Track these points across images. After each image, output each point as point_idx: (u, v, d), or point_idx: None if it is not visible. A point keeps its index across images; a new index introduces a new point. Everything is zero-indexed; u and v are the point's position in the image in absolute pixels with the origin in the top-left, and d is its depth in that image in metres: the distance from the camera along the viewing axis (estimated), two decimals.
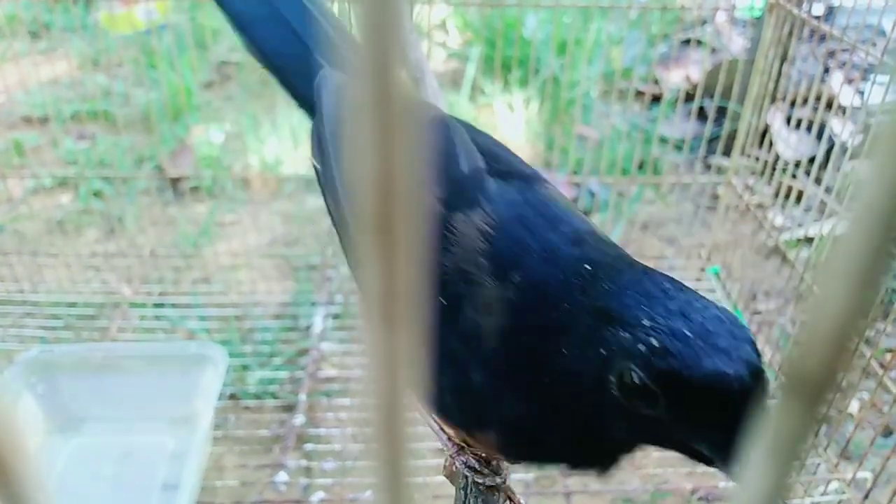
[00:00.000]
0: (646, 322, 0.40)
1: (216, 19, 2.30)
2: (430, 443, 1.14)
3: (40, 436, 1.20)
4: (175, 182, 1.79)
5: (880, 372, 1.12)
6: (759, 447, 0.15)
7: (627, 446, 0.46)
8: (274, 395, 1.32)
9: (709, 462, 0.40)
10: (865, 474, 1.14)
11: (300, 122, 1.92)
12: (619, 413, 0.41)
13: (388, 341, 0.12)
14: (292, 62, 0.68)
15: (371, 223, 0.11)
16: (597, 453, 0.47)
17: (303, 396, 1.29)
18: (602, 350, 0.41)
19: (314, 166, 0.64)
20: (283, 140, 1.90)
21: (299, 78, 0.67)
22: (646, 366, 0.38)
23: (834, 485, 1.16)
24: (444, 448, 0.61)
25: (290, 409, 1.29)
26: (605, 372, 0.41)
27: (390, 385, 0.13)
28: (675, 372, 0.37)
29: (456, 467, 0.59)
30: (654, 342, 0.38)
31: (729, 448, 0.37)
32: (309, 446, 1.21)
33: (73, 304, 1.50)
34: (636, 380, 0.39)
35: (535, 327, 0.46)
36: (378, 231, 0.11)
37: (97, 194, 1.80)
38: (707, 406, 0.37)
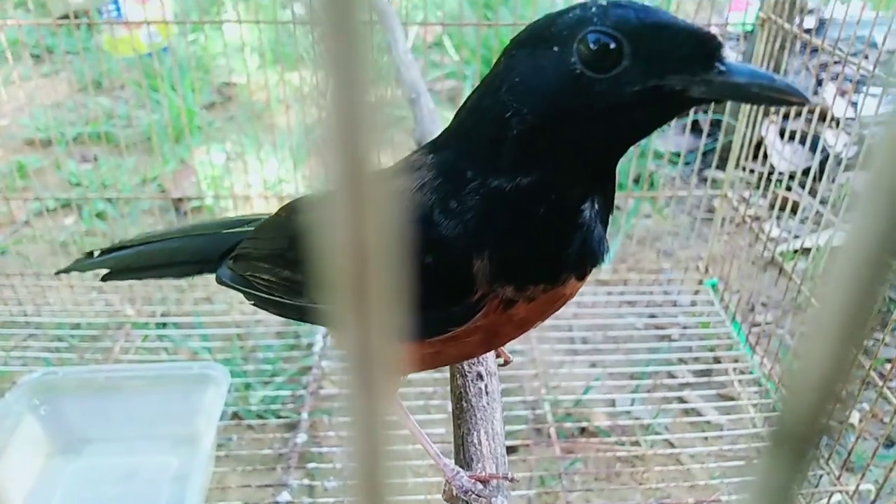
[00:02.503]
0: (588, 3, 0.45)
1: (218, 42, 2.33)
2: (429, 459, 1.14)
3: (43, 458, 1.20)
4: (177, 202, 1.81)
5: (880, 382, 1.12)
6: (748, 496, 0.16)
7: (607, 154, 0.48)
8: (276, 414, 1.32)
9: (685, 100, 0.44)
10: (868, 486, 1.13)
11: (300, 142, 1.94)
12: (589, 106, 0.44)
13: (367, 405, 0.13)
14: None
15: (346, 293, 0.12)
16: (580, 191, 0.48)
17: (305, 415, 1.29)
18: (555, 46, 0.45)
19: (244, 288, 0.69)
20: (283, 160, 1.92)
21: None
22: (602, 19, 0.43)
23: (836, 497, 1.16)
24: (443, 472, 0.61)
25: (292, 427, 1.29)
26: (565, 60, 0.44)
27: (370, 447, 0.13)
28: (631, 15, 0.43)
29: (455, 492, 0.60)
30: (602, 3, 0.44)
31: (702, 60, 0.42)
32: (311, 465, 1.22)
33: (76, 326, 1.51)
34: (595, 38, 0.43)
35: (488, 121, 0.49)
36: (353, 300, 0.12)
37: (100, 215, 1.82)
38: (666, 37, 0.43)
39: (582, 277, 0.52)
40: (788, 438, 0.15)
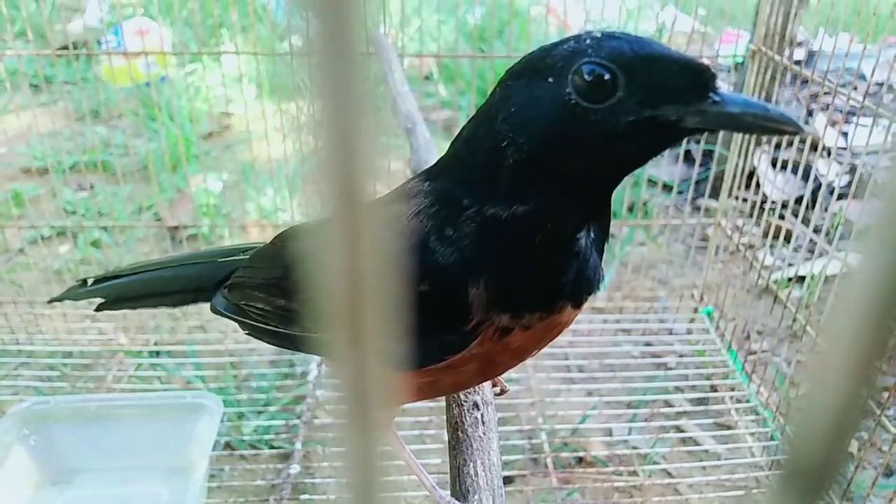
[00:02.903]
0: (582, 35, 0.46)
1: (216, 73, 2.35)
2: (425, 490, 1.13)
3: (32, 489, 1.18)
4: (173, 230, 1.81)
5: (877, 411, 1.12)
6: None
7: (602, 184, 0.49)
8: (269, 444, 1.31)
9: (679, 130, 0.44)
10: None
11: (296, 171, 1.95)
12: (584, 137, 0.45)
13: (361, 435, 0.13)
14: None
15: (340, 322, 0.12)
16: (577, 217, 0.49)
17: (298, 445, 1.28)
18: (550, 77, 0.45)
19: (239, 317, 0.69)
20: (279, 189, 1.93)
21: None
22: (596, 51, 0.44)
23: None
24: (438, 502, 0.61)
25: (285, 458, 1.28)
26: (560, 91, 0.45)
27: (365, 478, 0.13)
28: (625, 47, 0.44)
29: None
30: (596, 35, 0.45)
31: (696, 90, 0.43)
32: (305, 496, 1.20)
33: (68, 354, 1.49)
34: (590, 69, 0.44)
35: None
36: (348, 329, 0.12)
37: (95, 244, 1.82)
38: (660, 68, 0.43)
39: (578, 305, 0.52)
40: (798, 481, 0.15)
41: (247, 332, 0.69)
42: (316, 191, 0.12)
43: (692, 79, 0.43)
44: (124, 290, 0.82)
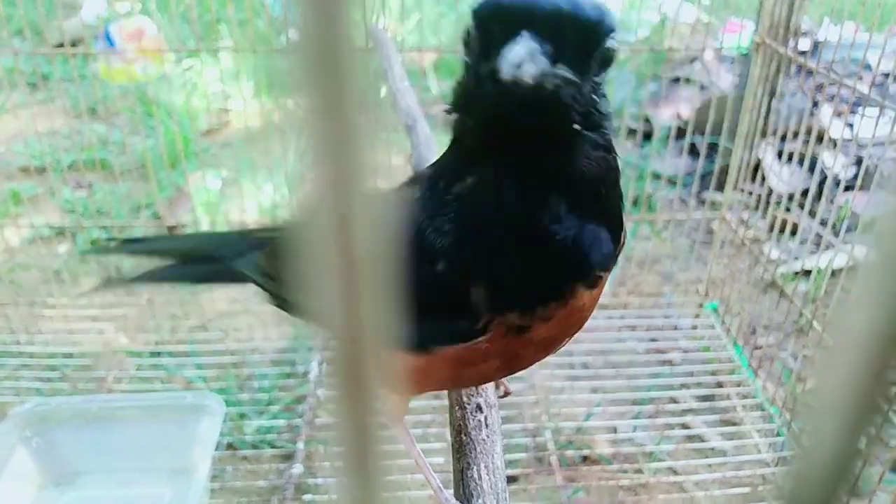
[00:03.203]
0: None
1: (213, 69, 2.34)
2: (430, 491, 1.12)
3: (35, 490, 1.18)
4: (172, 229, 1.80)
5: (885, 406, 1.10)
6: None
7: (524, 143, 0.45)
8: (272, 444, 1.30)
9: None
10: None
11: (296, 167, 1.93)
12: (468, 92, 0.45)
13: (360, 489, 0.12)
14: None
15: (342, 374, 0.11)
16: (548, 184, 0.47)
17: (301, 445, 1.27)
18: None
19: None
20: (279, 186, 1.91)
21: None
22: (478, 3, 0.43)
23: None
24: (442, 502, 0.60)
25: (288, 458, 1.27)
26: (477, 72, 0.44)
27: (361, 461, 0.13)
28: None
29: None
30: None
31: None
32: (308, 497, 1.19)
33: (69, 355, 1.49)
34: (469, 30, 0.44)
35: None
36: (348, 383, 0.11)
37: (94, 244, 1.80)
38: (497, 16, 0.42)
39: (593, 285, 0.50)
40: (819, 467, 0.15)
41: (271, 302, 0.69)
42: (310, 184, 0.11)
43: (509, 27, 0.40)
44: (159, 249, 0.82)
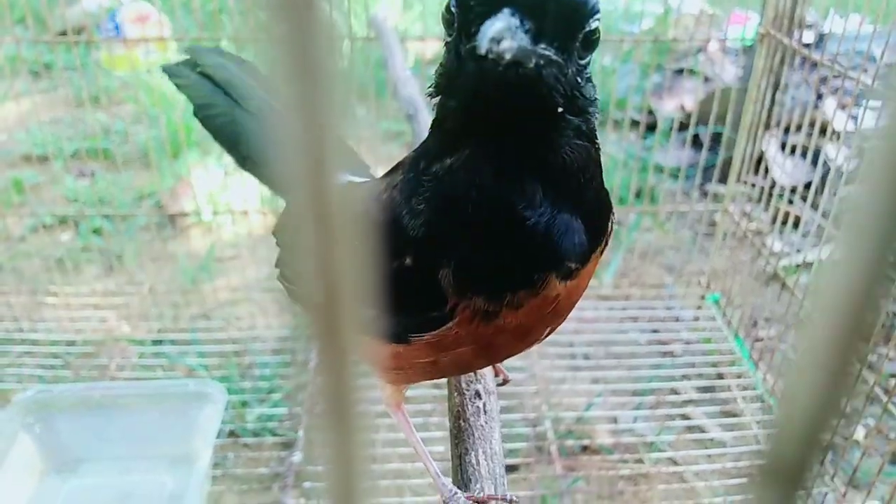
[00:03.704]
0: None
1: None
2: (429, 479, 1.12)
3: (37, 477, 1.18)
4: (174, 218, 1.80)
5: (884, 398, 1.10)
6: None
7: (504, 127, 0.44)
8: (273, 432, 1.31)
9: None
10: (874, 503, 1.12)
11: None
12: (450, 72, 0.44)
13: (339, 441, 0.12)
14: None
15: (319, 326, 0.11)
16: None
17: (301, 433, 1.28)
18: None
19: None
20: None
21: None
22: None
23: None
24: (440, 491, 0.60)
25: (288, 445, 1.27)
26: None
27: (343, 482, 0.13)
28: None
29: None
30: None
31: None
32: (308, 484, 1.20)
33: (71, 343, 1.49)
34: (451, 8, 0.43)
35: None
36: (325, 333, 0.11)
37: (97, 231, 1.81)
38: None
39: (567, 276, 0.49)
40: (777, 474, 0.15)
41: (290, 296, 0.69)
42: (284, 172, 0.11)
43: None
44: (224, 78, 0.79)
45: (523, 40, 0.38)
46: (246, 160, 0.80)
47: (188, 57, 0.84)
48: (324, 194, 0.12)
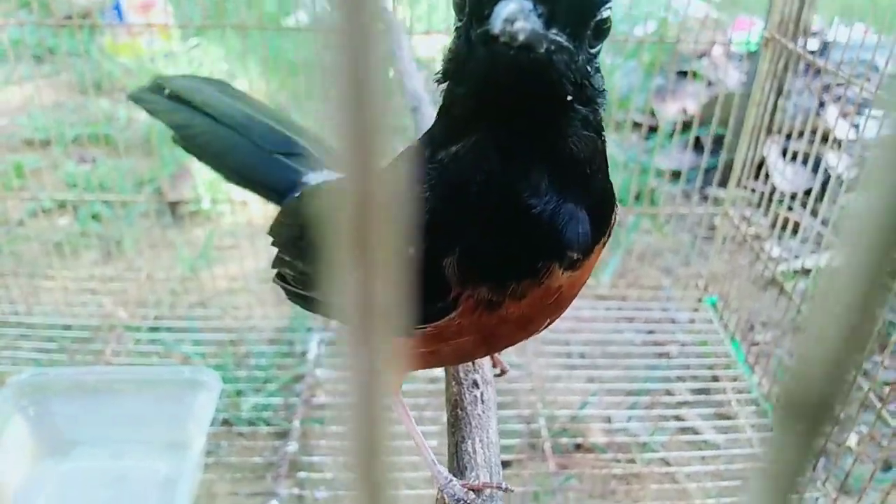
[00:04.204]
0: None
1: (220, 47, 2.33)
2: (423, 472, 1.12)
3: (30, 459, 1.18)
4: (174, 206, 1.80)
5: (878, 405, 1.11)
6: (757, 478, 0.15)
7: (515, 112, 0.44)
8: (267, 422, 1.30)
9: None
10: None
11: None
12: (460, 57, 0.44)
13: (367, 356, 0.12)
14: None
15: (348, 241, 0.11)
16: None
17: (296, 423, 1.28)
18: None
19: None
20: None
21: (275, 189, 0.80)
22: None
23: None
24: (435, 479, 0.60)
25: (283, 435, 1.27)
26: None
27: (369, 399, 0.13)
28: None
29: (447, 500, 0.58)
30: None
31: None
32: (302, 474, 1.20)
33: (68, 327, 1.49)
34: None
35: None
36: (355, 247, 0.11)
37: (96, 217, 1.80)
38: None
39: (571, 266, 0.49)
40: (799, 411, 0.15)
41: (288, 297, 0.69)
42: (333, 157, 0.11)
43: None
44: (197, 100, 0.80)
45: (536, 23, 0.38)
46: (235, 174, 0.81)
47: (152, 83, 0.85)
48: (370, 183, 0.12)
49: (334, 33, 0.12)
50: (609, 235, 0.53)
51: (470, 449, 0.64)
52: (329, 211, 0.12)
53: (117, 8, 2.14)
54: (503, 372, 0.76)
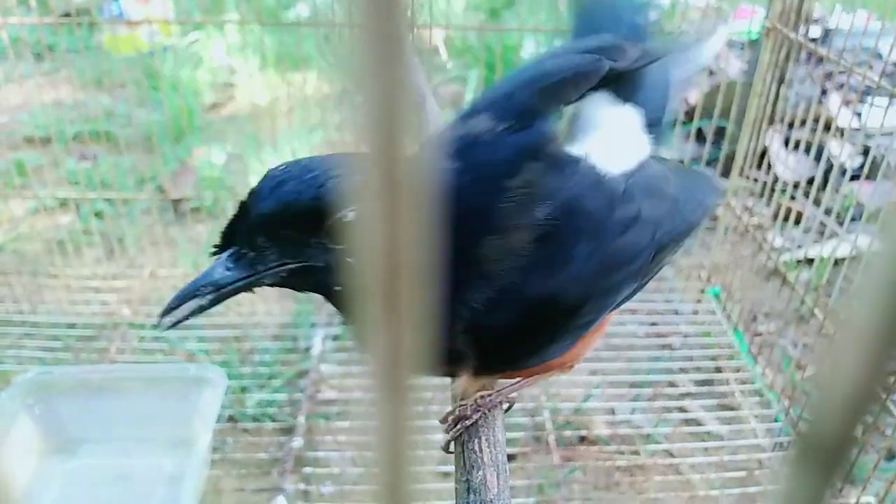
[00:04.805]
0: None
1: (219, 42, 2.32)
2: (431, 466, 1.13)
3: (36, 458, 1.19)
4: (176, 203, 1.80)
5: (883, 395, 1.11)
6: None
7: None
8: (272, 418, 1.31)
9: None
10: (869, 498, 1.13)
11: (301, 143, 1.93)
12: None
13: (394, 409, 0.12)
14: None
15: (378, 298, 0.11)
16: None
17: (301, 419, 1.28)
18: None
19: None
20: (284, 161, 1.91)
21: None
22: None
23: None
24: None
25: (288, 431, 1.28)
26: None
27: (395, 454, 0.13)
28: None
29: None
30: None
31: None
32: (307, 470, 1.20)
33: (72, 325, 1.49)
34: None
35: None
36: (384, 305, 0.11)
37: (98, 215, 1.81)
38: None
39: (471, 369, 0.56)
40: (819, 449, 0.15)
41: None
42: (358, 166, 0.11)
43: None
44: None
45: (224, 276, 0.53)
46: None
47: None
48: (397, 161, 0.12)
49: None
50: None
51: (476, 448, 0.64)
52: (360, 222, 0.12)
53: (117, 2, 2.14)
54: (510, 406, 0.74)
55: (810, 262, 1.49)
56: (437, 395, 1.34)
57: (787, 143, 1.67)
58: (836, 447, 0.14)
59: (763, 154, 1.50)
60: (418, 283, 0.12)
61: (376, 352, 0.12)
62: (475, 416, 0.65)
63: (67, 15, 1.48)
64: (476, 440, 0.66)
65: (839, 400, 0.14)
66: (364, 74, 0.12)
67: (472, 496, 0.62)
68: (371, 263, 0.12)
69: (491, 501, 0.61)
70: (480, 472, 0.63)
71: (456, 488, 0.62)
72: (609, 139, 0.62)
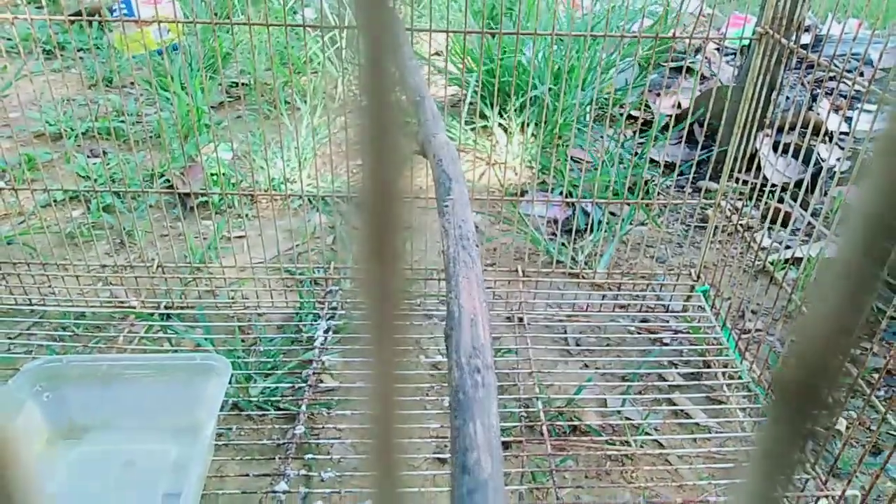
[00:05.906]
0: None
1: (227, 43, 2.37)
2: (426, 453, 1.17)
3: (43, 444, 1.22)
4: (184, 198, 1.84)
5: (867, 391, 1.15)
6: (748, 460, 0.16)
7: None
8: (276, 406, 1.35)
9: None
10: (854, 492, 1.16)
11: (305, 142, 1.97)
12: None
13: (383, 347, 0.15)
14: None
15: (371, 228, 0.15)
16: None
17: (304, 407, 1.32)
18: None
19: None
20: (289, 160, 1.96)
21: None
22: None
23: (823, 502, 1.19)
24: None
25: (291, 419, 1.32)
26: None
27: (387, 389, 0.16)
28: None
29: None
30: None
31: None
32: (309, 456, 1.25)
33: (81, 315, 1.54)
34: None
35: None
36: (377, 234, 0.15)
37: (107, 209, 1.85)
38: None
39: None
40: (788, 394, 0.15)
41: None
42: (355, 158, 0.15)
43: None
44: None
45: None
46: None
47: None
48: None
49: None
50: None
51: (471, 431, 0.68)
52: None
53: (126, 2, 2.18)
54: None
55: (797, 261, 1.54)
56: (434, 385, 1.39)
57: (776, 146, 1.71)
58: (813, 385, 0.15)
59: (753, 157, 1.55)
60: (400, 210, 0.15)
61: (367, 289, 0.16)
62: None
63: (78, 14, 1.52)
64: (471, 423, 0.70)
65: (815, 337, 0.14)
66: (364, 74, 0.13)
67: (466, 477, 0.66)
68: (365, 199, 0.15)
69: (485, 482, 0.65)
70: (475, 454, 0.67)
71: (452, 472, 0.66)
72: None
